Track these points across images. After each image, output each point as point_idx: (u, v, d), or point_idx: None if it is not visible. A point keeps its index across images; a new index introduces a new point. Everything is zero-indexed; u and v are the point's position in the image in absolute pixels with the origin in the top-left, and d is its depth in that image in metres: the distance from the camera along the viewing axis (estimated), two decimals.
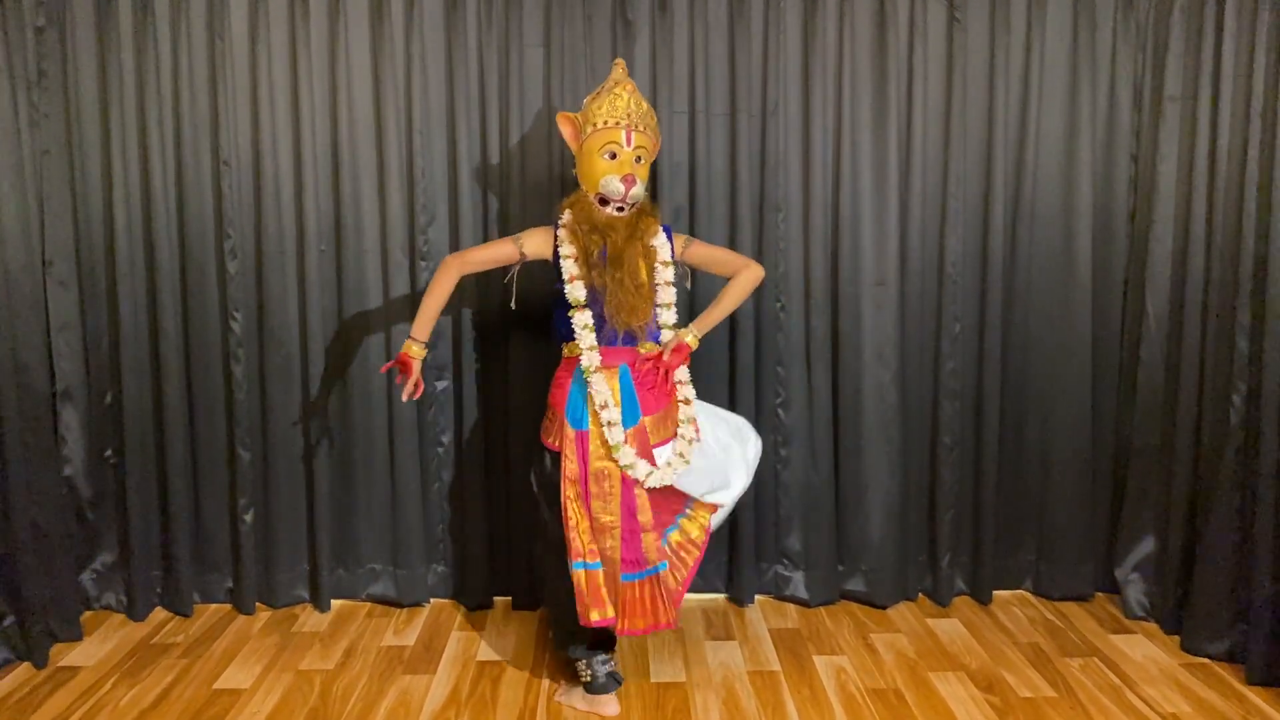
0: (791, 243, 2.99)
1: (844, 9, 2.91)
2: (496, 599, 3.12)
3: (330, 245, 2.96)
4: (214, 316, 2.96)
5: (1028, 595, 3.17)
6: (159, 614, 3.03)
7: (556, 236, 2.45)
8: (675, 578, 2.45)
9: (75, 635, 2.84)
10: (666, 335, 2.48)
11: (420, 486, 3.02)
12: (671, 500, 2.46)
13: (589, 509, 2.36)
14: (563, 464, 2.38)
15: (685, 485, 2.43)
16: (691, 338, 2.48)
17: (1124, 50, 2.95)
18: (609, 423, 2.35)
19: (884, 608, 3.07)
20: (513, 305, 2.57)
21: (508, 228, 2.92)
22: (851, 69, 2.93)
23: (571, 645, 2.48)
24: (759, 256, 2.96)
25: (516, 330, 2.94)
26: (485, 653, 2.77)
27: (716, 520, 2.54)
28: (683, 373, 2.49)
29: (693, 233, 2.92)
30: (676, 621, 2.45)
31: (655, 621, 2.40)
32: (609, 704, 2.44)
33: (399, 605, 3.08)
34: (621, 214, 2.42)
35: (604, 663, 2.46)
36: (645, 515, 2.39)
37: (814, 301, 3.00)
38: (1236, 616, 2.67)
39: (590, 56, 2.91)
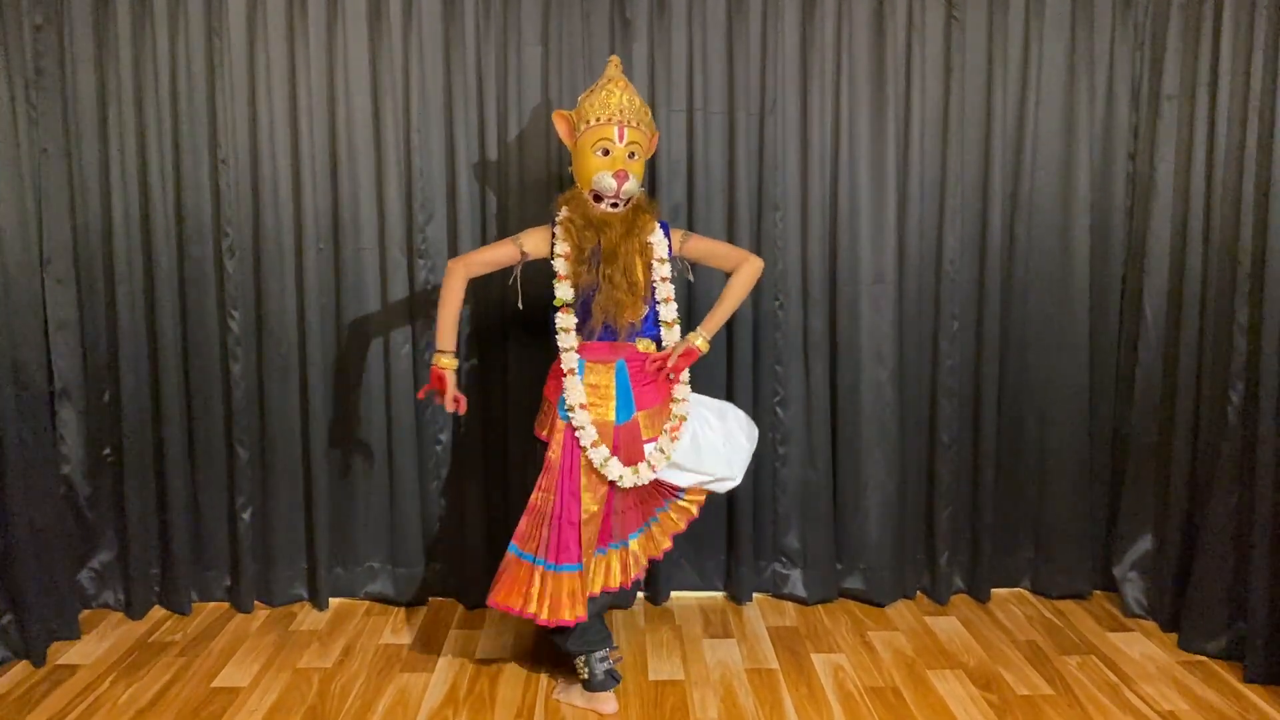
0: (789, 241, 2.99)
1: (842, 7, 2.91)
2: None
3: (328, 243, 2.96)
4: (212, 315, 2.96)
5: (1025, 593, 3.17)
6: (157, 612, 3.03)
7: (553, 234, 2.45)
8: (643, 552, 2.57)
9: (73, 633, 2.84)
10: (666, 332, 2.49)
11: (419, 485, 3.02)
12: (663, 488, 2.53)
13: (562, 500, 2.38)
14: (547, 452, 2.40)
15: (674, 478, 2.49)
16: (701, 341, 2.48)
17: (1122, 48, 2.96)
18: (579, 426, 2.38)
19: (882, 606, 3.07)
20: (519, 305, 2.57)
21: (506, 225, 2.92)
22: (850, 67, 2.93)
23: (570, 640, 2.47)
24: (757, 254, 2.94)
25: (514, 328, 2.94)
26: (483, 651, 2.77)
27: (721, 489, 2.60)
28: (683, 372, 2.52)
29: (691, 231, 2.92)
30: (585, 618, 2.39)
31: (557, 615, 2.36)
32: (607, 701, 2.44)
33: (397, 603, 3.08)
34: (617, 210, 2.42)
35: (602, 660, 2.46)
36: (629, 502, 2.50)
37: (812, 299, 3.00)
38: (1234, 614, 2.67)
39: (588, 55, 2.91)
